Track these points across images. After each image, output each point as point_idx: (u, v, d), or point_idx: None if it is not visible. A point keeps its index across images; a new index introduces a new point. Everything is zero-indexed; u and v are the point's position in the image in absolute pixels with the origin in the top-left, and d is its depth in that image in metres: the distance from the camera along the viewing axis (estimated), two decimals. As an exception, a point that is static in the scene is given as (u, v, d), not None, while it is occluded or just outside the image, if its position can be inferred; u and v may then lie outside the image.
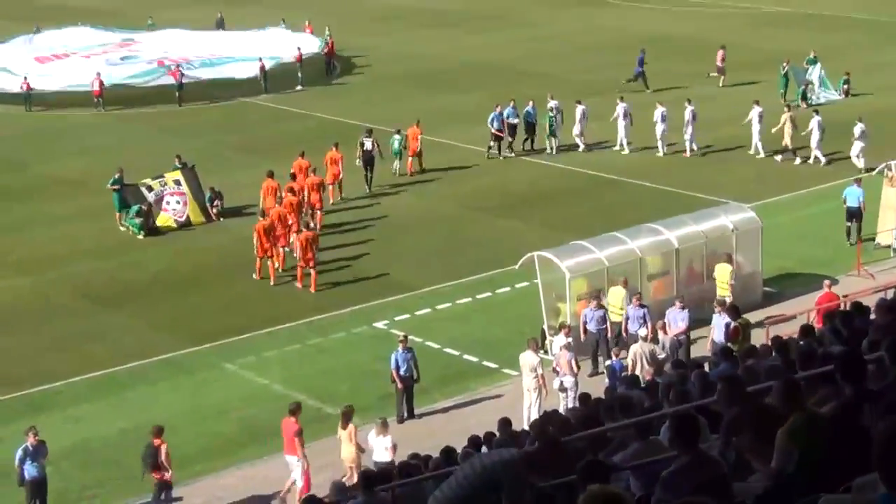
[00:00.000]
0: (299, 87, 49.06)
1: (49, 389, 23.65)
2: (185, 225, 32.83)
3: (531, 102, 38.72)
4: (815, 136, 36.04)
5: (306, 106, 46.07)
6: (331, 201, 34.15)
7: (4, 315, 27.24)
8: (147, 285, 28.78)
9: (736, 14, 63.50)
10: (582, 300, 24.50)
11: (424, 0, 69.97)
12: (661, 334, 22.84)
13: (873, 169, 32.07)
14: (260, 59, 48.97)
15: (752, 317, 23.83)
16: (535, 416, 20.25)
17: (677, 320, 23.32)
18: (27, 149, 41.32)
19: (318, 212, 32.41)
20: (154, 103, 46.73)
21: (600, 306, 23.91)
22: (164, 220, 32.73)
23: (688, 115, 37.37)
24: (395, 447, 19.39)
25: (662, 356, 22.00)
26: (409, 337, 23.19)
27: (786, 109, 37.40)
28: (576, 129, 38.32)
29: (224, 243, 31.40)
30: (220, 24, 60.66)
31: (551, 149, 38.16)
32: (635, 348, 21.91)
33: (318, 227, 31.62)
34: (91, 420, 22.60)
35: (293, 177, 32.44)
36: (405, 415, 22.20)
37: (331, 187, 34.42)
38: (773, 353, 15.55)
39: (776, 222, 29.41)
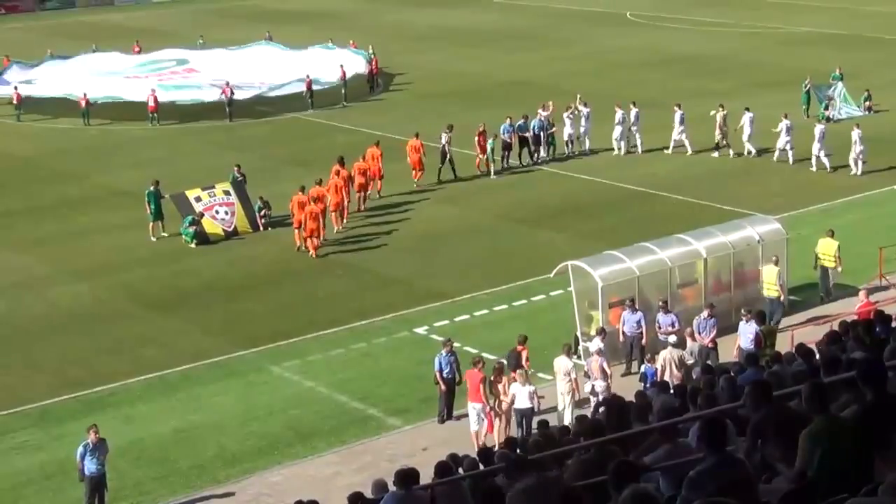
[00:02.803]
0: (343, 104, 49.68)
1: (105, 390, 24.05)
2: (233, 234, 33.33)
3: (530, 116, 39.82)
4: (745, 132, 38.28)
5: (351, 121, 46.55)
6: (415, 185, 36.92)
7: (63, 319, 27.77)
8: (199, 292, 29.30)
9: (763, 34, 63.36)
10: (615, 307, 24.65)
11: (462, 21, 71.02)
12: (689, 341, 22.95)
13: None
14: (307, 77, 49.71)
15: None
16: (568, 418, 20.60)
17: (705, 328, 23.54)
18: (86, 161, 42.02)
19: (366, 193, 35.25)
20: (206, 119, 47.41)
21: (635, 310, 24.20)
22: (212, 227, 33.18)
23: (787, 124, 37.74)
24: (535, 394, 21.18)
25: (691, 362, 22.17)
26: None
27: (719, 108, 38.98)
28: (565, 136, 40.15)
29: (272, 252, 31.88)
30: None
31: (545, 153, 40.07)
32: (664, 354, 22.07)
33: (360, 208, 34.89)
34: (145, 420, 22.91)
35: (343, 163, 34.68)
36: (446, 415, 22.41)
37: (414, 172, 36.96)
38: (798, 359, 15.71)
39: (801, 234, 29.32)
